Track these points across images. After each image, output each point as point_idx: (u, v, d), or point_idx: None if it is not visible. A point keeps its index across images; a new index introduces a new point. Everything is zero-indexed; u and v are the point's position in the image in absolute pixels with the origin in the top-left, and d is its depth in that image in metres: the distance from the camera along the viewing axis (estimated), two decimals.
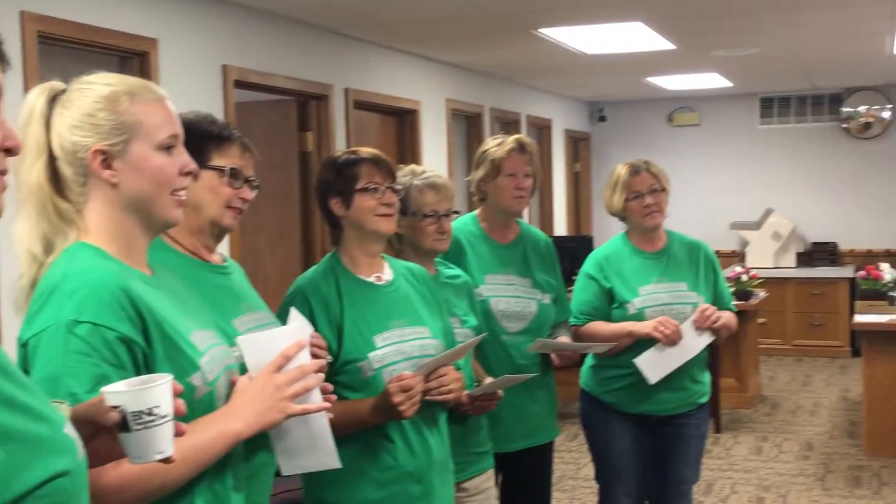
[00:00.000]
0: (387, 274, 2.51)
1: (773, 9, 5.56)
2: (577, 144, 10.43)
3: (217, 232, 2.02)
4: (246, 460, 1.77)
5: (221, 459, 1.63)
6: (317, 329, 2.28)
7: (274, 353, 1.73)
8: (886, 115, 9.54)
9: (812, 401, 7.33)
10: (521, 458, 3.19)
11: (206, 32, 4.61)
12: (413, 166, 2.90)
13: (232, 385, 1.71)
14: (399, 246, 2.79)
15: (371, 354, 2.36)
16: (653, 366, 3.23)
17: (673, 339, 3.19)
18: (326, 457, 1.95)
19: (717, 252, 9.85)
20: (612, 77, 8.47)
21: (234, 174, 2.00)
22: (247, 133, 2.15)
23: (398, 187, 2.50)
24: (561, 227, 9.62)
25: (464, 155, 7.50)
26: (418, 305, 2.52)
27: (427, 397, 2.36)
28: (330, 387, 1.88)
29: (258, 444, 1.82)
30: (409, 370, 2.35)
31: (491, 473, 2.90)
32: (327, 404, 1.83)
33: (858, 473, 5.48)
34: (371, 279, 2.47)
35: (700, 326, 3.23)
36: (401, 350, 2.41)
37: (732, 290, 6.86)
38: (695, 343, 3.25)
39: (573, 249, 6.95)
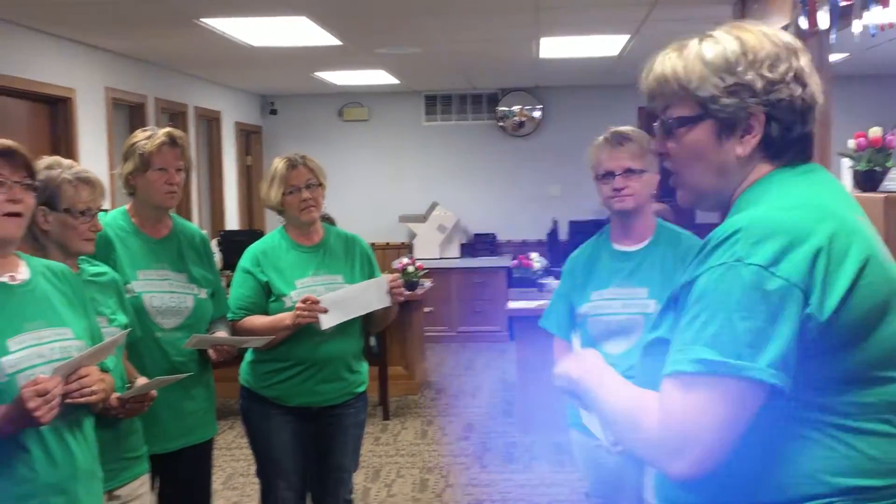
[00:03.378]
0: (22, 273, 2.34)
1: (430, 12, 5.79)
2: (249, 137, 10.32)
3: None
4: None
5: None
6: None
7: None
8: (537, 114, 10.29)
9: (474, 384, 7.76)
10: (178, 458, 3.13)
11: None
12: (57, 158, 2.72)
13: None
14: (42, 243, 2.61)
15: (3, 359, 2.20)
16: (329, 314, 3.26)
17: (313, 316, 3.23)
18: None
19: (387, 244, 10.28)
20: (282, 71, 8.45)
21: None
22: None
23: (31, 182, 2.31)
24: (233, 222, 9.49)
25: None
26: (59, 305, 2.37)
27: (68, 400, 2.23)
28: None
29: None
30: (49, 374, 2.21)
31: (146, 478, 2.82)
32: None
33: (512, 450, 5.87)
34: (3, 279, 2.30)
35: (391, 290, 3.36)
36: (39, 353, 2.26)
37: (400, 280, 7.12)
38: (371, 302, 3.36)
39: (245, 244, 6.82)
